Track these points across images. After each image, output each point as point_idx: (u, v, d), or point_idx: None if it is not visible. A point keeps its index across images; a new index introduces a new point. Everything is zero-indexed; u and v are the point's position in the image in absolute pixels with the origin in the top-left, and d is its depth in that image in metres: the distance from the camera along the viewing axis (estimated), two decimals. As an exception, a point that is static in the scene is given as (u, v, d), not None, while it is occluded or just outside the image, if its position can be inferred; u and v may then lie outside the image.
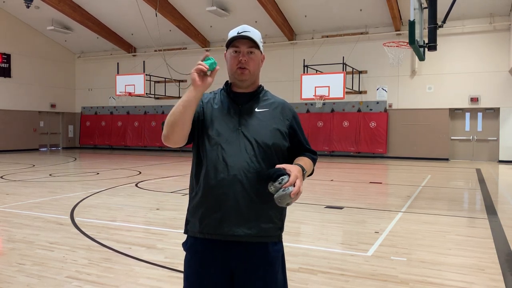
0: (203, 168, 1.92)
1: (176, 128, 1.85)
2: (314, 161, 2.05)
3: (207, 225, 1.90)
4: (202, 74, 1.84)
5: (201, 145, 1.95)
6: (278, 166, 1.79)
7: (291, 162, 1.94)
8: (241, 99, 1.99)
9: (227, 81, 2.05)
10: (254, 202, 1.87)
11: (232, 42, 1.95)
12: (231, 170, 1.86)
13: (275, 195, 1.73)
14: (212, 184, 1.88)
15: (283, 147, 1.97)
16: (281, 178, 1.73)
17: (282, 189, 1.71)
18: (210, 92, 2.08)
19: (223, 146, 1.89)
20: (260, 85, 2.06)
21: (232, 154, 1.88)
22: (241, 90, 2.01)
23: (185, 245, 2.01)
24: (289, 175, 1.74)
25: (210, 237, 1.90)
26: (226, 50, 2.00)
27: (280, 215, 1.97)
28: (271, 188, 1.75)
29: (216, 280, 1.91)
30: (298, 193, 1.72)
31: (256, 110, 1.98)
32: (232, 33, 1.98)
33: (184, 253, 2.02)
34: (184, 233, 2.01)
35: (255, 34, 1.96)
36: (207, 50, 21.60)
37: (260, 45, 1.98)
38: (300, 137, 2.04)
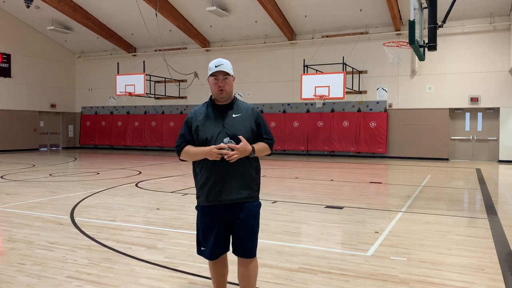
0: (204, 160, 2.88)
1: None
2: (269, 144, 3.02)
3: (211, 196, 2.89)
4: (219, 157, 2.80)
5: (199, 145, 2.90)
6: (241, 138, 2.81)
7: None
8: (222, 109, 2.94)
9: (211, 96, 2.99)
10: (239, 177, 2.88)
11: (212, 73, 2.89)
12: (222, 158, 2.79)
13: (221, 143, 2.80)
14: (212, 170, 2.86)
15: (254, 138, 2.95)
16: (229, 140, 2.80)
17: (228, 147, 2.77)
18: (199, 106, 3.03)
19: (215, 143, 2.83)
20: (234, 97, 3.02)
21: None
22: (221, 103, 2.97)
23: (197, 208, 3.01)
24: (237, 143, 2.79)
25: (214, 203, 2.89)
26: (209, 77, 2.92)
27: (255, 183, 2.99)
28: (225, 140, 2.79)
29: (218, 229, 2.92)
30: (229, 156, 2.76)
31: (233, 115, 2.92)
32: (212, 66, 2.89)
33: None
34: (197, 204, 3.01)
35: (227, 67, 2.90)
36: (207, 50, 21.62)
37: (231, 72, 2.92)
38: (262, 130, 3.00)
